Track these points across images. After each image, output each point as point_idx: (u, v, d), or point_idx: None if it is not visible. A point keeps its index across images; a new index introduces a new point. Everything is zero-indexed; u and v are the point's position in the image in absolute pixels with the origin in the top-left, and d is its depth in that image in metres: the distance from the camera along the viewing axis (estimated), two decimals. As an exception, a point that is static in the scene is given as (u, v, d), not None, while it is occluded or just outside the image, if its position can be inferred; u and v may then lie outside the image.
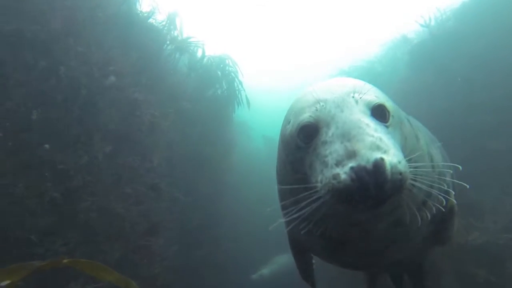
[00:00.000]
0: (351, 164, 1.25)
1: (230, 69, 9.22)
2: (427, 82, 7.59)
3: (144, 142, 4.25)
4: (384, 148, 1.29)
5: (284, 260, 8.51)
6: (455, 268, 5.15)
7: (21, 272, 1.71)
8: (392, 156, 1.27)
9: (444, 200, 1.66)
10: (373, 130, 1.37)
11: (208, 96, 7.47)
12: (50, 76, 3.48)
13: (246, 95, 8.99)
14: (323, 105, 1.53)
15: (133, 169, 3.93)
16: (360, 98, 1.54)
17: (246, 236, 8.84)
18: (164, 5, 7.08)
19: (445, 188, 1.77)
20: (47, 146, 3.38)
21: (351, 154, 1.28)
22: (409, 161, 1.39)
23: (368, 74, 10.58)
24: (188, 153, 5.77)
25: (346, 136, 1.36)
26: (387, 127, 1.52)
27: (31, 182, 3.06)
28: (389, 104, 1.63)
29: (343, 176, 1.25)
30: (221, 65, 9.10)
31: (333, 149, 1.36)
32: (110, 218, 3.57)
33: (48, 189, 3.10)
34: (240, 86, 9.00)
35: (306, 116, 1.55)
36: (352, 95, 1.55)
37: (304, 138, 1.55)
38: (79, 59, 3.63)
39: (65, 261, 1.90)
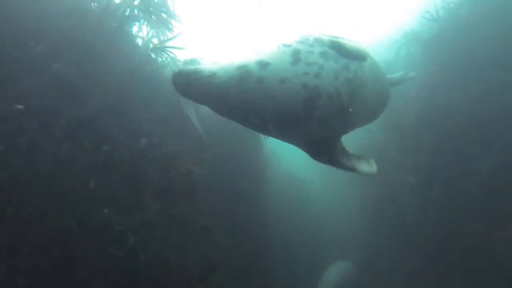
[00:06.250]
0: None
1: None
2: (453, 74, 7.23)
3: (184, 191, 4.61)
4: None
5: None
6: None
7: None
8: None
9: None
10: None
11: (235, 128, 7.75)
12: (98, 150, 3.99)
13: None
14: None
15: (181, 218, 4.28)
16: None
17: (295, 258, 8.92)
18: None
19: None
20: (106, 210, 3.84)
21: None
22: None
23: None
24: (224, 190, 6.08)
25: None
26: None
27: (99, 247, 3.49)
28: None
29: None
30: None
31: None
32: (168, 270, 3.88)
33: (113, 251, 3.51)
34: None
35: None
36: None
37: None
38: (117, 130, 4.14)
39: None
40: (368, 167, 2.84)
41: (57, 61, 4.24)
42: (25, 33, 4.21)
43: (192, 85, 2.47)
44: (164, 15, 6.53)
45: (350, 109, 2.64)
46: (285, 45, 2.60)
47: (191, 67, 2.53)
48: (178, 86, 2.53)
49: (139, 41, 7.15)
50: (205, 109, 6.28)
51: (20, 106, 3.91)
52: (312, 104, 2.46)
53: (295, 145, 2.93)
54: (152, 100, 5.13)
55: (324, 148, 2.81)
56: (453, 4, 8.38)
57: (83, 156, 3.87)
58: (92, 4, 6.03)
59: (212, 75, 2.47)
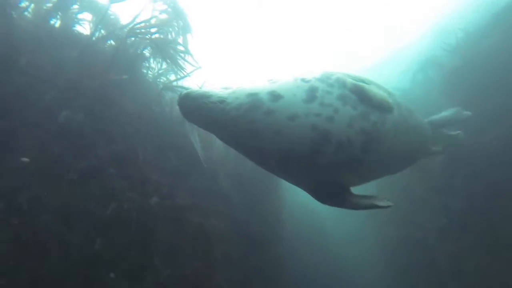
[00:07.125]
0: None
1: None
2: (483, 105, 6.74)
3: (197, 245, 4.23)
4: None
5: None
6: None
7: None
8: None
9: None
10: None
11: (249, 170, 7.39)
12: (106, 205, 3.67)
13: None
14: None
15: (194, 279, 3.86)
16: None
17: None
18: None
19: None
20: (112, 275, 3.46)
21: None
22: None
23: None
24: (239, 237, 5.66)
25: None
26: None
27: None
28: None
29: None
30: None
31: None
32: None
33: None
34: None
35: None
36: None
37: None
38: (125, 184, 3.84)
39: None
40: (383, 202, 2.48)
41: (65, 109, 4.05)
42: (37, 80, 4.06)
43: (199, 109, 2.25)
44: (178, 57, 6.39)
45: (361, 162, 2.34)
46: (302, 80, 2.39)
47: (199, 90, 2.35)
48: (184, 110, 2.30)
49: (150, 74, 7.08)
50: (216, 151, 6.02)
51: (26, 159, 3.67)
52: (319, 149, 2.22)
53: (298, 186, 2.62)
54: (162, 147, 4.84)
55: (329, 194, 2.49)
56: (474, 32, 8.15)
57: (88, 213, 3.55)
58: (106, 43, 5.98)
59: (221, 101, 2.25)
